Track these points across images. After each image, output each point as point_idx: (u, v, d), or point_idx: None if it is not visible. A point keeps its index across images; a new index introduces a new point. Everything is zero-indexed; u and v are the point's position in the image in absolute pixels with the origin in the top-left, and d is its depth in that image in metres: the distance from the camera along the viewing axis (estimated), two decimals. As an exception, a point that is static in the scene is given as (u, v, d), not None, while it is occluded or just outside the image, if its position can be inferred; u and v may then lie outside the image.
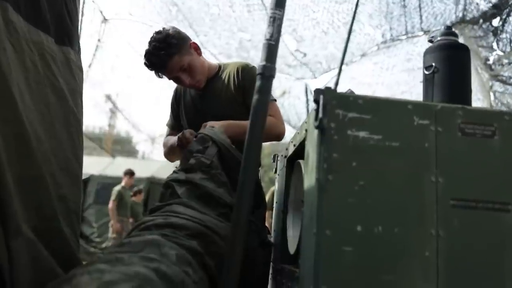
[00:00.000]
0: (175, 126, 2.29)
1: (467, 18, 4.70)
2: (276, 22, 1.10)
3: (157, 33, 2.01)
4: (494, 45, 4.64)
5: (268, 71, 1.10)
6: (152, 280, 0.96)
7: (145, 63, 2.01)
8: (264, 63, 1.11)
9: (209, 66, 2.14)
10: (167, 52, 1.94)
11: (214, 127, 1.83)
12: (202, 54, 2.16)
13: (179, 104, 2.24)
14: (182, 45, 2.00)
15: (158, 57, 1.94)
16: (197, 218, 1.38)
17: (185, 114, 2.19)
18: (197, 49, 2.09)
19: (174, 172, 1.69)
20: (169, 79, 2.06)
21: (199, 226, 1.35)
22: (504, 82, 4.82)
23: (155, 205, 1.57)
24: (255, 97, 1.11)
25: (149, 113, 11.88)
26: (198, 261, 1.23)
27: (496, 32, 4.41)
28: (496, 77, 4.83)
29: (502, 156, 1.18)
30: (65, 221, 1.25)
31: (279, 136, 2.01)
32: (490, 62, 4.78)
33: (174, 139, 2.09)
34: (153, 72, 2.04)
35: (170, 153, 2.18)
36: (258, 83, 1.11)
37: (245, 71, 2.03)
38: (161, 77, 2.06)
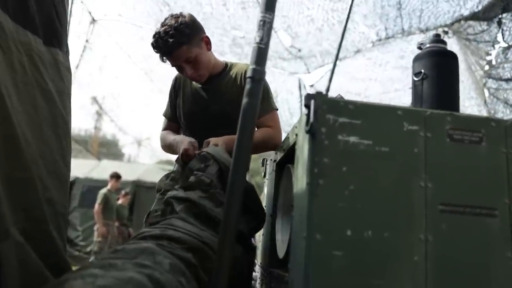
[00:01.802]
0: (172, 117, 2.24)
1: (472, 14, 4.72)
2: (266, 25, 1.10)
3: (173, 17, 1.96)
4: (499, 36, 4.65)
5: (258, 75, 1.10)
6: (145, 286, 0.95)
7: (151, 44, 1.96)
8: (254, 66, 1.11)
9: (215, 62, 2.11)
10: (177, 40, 1.89)
11: (217, 145, 1.81)
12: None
13: (178, 94, 2.20)
14: (194, 36, 1.96)
15: (166, 42, 1.90)
16: (195, 233, 1.37)
17: (183, 106, 2.15)
18: (208, 43, 2.06)
19: (174, 189, 1.67)
20: (172, 66, 2.03)
21: (196, 241, 1.34)
22: (498, 78, 4.85)
23: (155, 220, 1.55)
24: (245, 100, 1.11)
25: (136, 116, 11.80)
26: (192, 272, 1.21)
27: (500, 22, 4.41)
28: (489, 74, 4.87)
29: (488, 162, 1.20)
30: (53, 224, 1.23)
31: (276, 147, 2.01)
32: (492, 57, 4.80)
33: (172, 139, 2.05)
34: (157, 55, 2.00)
35: (168, 151, 2.16)
36: (248, 86, 1.11)
37: None
38: (164, 62, 2.02)
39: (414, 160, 1.16)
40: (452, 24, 5.05)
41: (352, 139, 1.14)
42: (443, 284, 1.11)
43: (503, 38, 4.62)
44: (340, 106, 1.16)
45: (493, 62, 4.89)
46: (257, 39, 1.10)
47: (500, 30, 4.56)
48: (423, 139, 1.18)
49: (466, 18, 4.84)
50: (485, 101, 5.41)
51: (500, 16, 4.42)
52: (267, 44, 1.11)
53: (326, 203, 1.10)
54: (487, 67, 4.94)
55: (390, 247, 1.11)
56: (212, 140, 1.85)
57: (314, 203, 1.09)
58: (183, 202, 1.55)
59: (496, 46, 4.79)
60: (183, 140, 1.94)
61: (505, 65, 4.72)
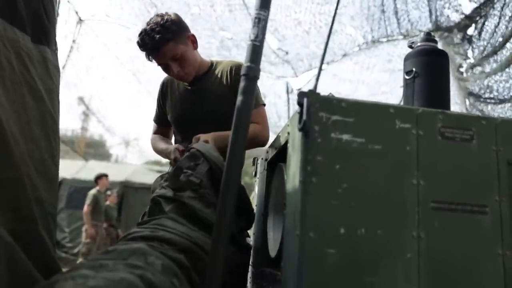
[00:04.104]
0: (161, 121, 2.25)
1: (442, 26, 4.82)
2: (261, 23, 1.10)
3: (158, 15, 1.96)
4: (470, 53, 4.77)
5: (252, 72, 1.10)
6: (137, 287, 0.94)
7: (137, 42, 1.95)
8: (248, 64, 1.10)
9: (201, 61, 2.10)
10: (163, 36, 1.89)
11: (207, 142, 1.77)
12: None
13: (166, 99, 2.20)
14: (180, 33, 1.96)
15: (153, 39, 1.89)
16: (186, 234, 1.35)
17: (172, 110, 2.15)
18: (194, 42, 2.06)
19: (162, 187, 1.63)
20: (158, 64, 2.01)
21: (188, 242, 1.32)
22: (474, 95, 4.95)
23: (143, 220, 1.52)
24: (239, 98, 1.10)
25: (123, 116, 11.72)
26: (184, 274, 1.20)
27: (471, 40, 4.54)
28: (465, 87, 4.98)
29: (479, 159, 1.21)
30: (42, 224, 1.21)
31: (263, 144, 1.98)
32: (463, 69, 4.91)
33: (161, 148, 2.06)
34: (143, 53, 1.99)
35: (159, 155, 2.15)
36: (242, 84, 1.11)
37: (239, 71, 2.02)
38: (151, 60, 2.01)
39: (406, 157, 1.17)
40: (432, 31, 5.12)
41: (345, 137, 1.14)
42: (435, 281, 1.11)
43: (473, 55, 4.73)
44: (333, 104, 1.16)
45: (464, 75, 4.99)
46: (252, 37, 1.10)
47: (470, 47, 4.66)
48: (415, 137, 1.18)
49: (440, 29, 4.93)
50: (466, 110, 5.51)
51: (470, 33, 4.53)
52: (262, 42, 1.11)
53: (319, 201, 1.10)
54: (462, 79, 5.04)
55: (383, 245, 1.11)
56: (202, 136, 1.83)
57: (307, 201, 1.09)
58: (172, 202, 1.52)
59: (467, 61, 4.89)
60: (171, 150, 1.95)
61: (472, 80, 4.82)
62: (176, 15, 2.01)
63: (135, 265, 1.03)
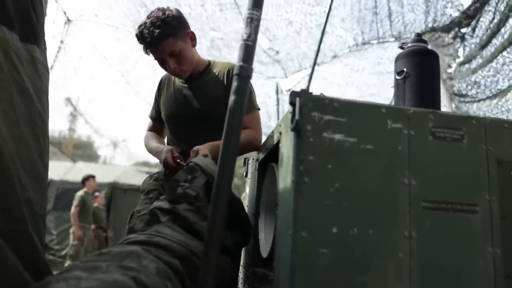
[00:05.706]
0: (157, 118, 2.24)
1: (438, 26, 4.85)
2: (253, 22, 1.10)
3: (160, 9, 1.95)
4: (460, 51, 4.80)
5: (245, 72, 1.09)
6: None
7: (136, 35, 1.94)
8: (241, 63, 1.10)
9: (198, 60, 2.10)
10: (163, 31, 1.88)
11: (207, 155, 1.76)
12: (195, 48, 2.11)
13: (161, 95, 2.19)
14: (180, 29, 1.96)
15: (152, 33, 1.88)
16: (183, 242, 1.33)
17: (165, 106, 2.14)
18: (193, 39, 2.05)
19: (159, 200, 1.62)
20: (155, 58, 2.00)
21: (184, 250, 1.30)
22: (458, 95, 5.00)
23: (140, 229, 1.51)
24: (232, 98, 1.10)
25: (112, 118, 11.62)
26: (178, 279, 1.18)
27: (463, 38, 4.57)
28: (452, 89, 5.02)
29: (470, 159, 1.22)
30: (32, 225, 1.19)
31: (256, 149, 1.97)
32: (452, 70, 4.95)
33: (153, 147, 2.05)
34: (142, 46, 1.97)
35: (150, 153, 2.14)
36: (234, 83, 1.10)
37: None
38: (148, 54, 2.00)
39: (398, 157, 1.18)
40: (423, 33, 5.16)
41: (337, 136, 1.14)
42: (427, 280, 1.12)
43: (463, 53, 4.77)
44: (325, 103, 1.16)
45: (452, 75, 5.03)
46: (245, 36, 1.09)
47: (462, 45, 4.70)
48: (407, 137, 1.19)
49: (435, 29, 4.96)
50: (452, 110, 5.56)
51: (463, 31, 4.56)
52: (254, 41, 1.10)
53: (312, 201, 1.10)
54: (448, 81, 5.08)
55: (375, 244, 1.11)
56: (201, 150, 1.81)
57: (300, 201, 1.09)
58: (168, 214, 1.51)
59: (457, 60, 4.94)
60: (162, 150, 1.94)
61: (460, 80, 4.86)
62: (178, 10, 2.00)
63: (129, 267, 1.01)
